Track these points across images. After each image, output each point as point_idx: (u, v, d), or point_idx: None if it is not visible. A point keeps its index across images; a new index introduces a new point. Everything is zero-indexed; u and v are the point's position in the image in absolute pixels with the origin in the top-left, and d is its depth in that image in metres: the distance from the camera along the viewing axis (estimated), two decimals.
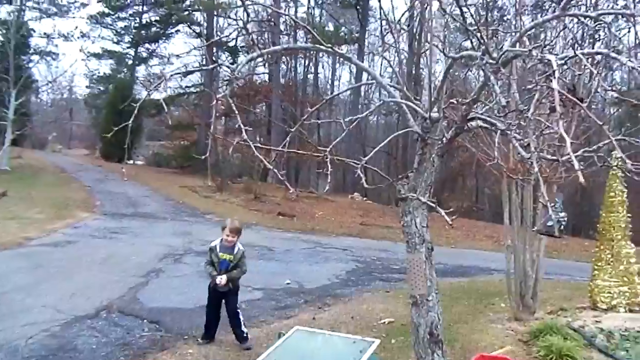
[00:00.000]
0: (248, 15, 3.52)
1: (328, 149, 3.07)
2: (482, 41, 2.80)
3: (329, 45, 3.03)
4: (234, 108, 3.12)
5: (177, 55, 38.69)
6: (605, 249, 7.48)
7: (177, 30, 39.14)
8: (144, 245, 11.92)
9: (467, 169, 27.21)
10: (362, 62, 32.38)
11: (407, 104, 3.26)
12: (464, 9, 3.19)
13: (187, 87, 37.09)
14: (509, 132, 3.12)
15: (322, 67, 41.24)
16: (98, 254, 10.65)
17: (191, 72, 38.29)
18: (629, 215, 7.48)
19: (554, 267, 11.26)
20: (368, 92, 37.80)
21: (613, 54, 2.70)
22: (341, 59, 34.37)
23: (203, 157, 7.20)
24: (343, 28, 35.39)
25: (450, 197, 27.89)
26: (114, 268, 9.64)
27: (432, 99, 3.18)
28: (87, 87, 47.34)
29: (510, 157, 6.45)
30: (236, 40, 35.14)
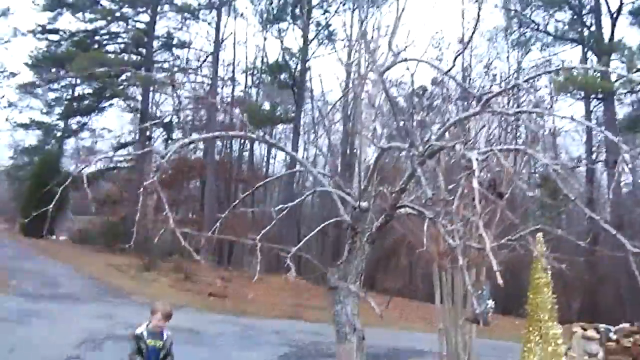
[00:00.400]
0: (180, 102, 3.50)
1: (257, 237, 3.01)
2: (408, 134, 2.89)
3: (262, 134, 3.05)
4: (162, 197, 3.04)
5: (109, 130, 38.06)
6: (533, 330, 7.58)
7: (111, 104, 38.62)
8: (61, 330, 11.07)
9: (401, 248, 27.51)
10: (298, 141, 33.14)
11: (337, 193, 3.29)
12: (393, 98, 3.32)
13: (117, 161, 36.20)
14: (436, 220, 3.17)
15: (258, 144, 41.51)
16: (7, 341, 9.76)
17: (120, 154, 37.38)
18: (554, 295, 7.68)
19: (486, 348, 11.31)
20: (303, 172, 38.26)
21: (530, 151, 2.85)
22: (276, 138, 34.96)
23: (127, 245, 6.82)
24: (279, 107, 36.14)
25: (384, 277, 27.95)
26: (26, 356, 8.84)
27: (362, 188, 3.22)
28: (10, 157, 45.12)
29: (440, 240, 6.58)
30: (171, 117, 35.08)
